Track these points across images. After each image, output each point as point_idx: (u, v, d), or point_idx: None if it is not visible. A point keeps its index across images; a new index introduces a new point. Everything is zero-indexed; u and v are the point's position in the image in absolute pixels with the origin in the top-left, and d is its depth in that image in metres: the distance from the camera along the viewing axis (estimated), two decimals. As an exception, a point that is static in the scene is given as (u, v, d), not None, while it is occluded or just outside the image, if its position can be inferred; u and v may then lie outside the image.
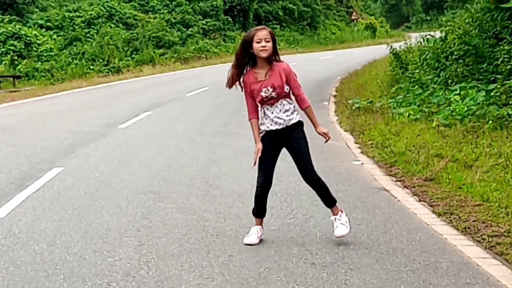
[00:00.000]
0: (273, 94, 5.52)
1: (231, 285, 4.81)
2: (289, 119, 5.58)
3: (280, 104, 5.57)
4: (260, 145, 5.59)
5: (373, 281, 4.82)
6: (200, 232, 6.11)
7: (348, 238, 5.84)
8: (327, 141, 5.77)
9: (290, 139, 5.61)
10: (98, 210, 6.99)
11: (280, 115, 5.56)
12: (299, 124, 5.64)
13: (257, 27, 5.65)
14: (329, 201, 5.75)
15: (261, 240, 5.80)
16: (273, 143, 5.62)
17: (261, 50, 5.46)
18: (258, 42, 5.46)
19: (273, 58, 5.55)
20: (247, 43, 5.53)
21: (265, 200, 5.82)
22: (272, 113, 5.57)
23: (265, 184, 5.72)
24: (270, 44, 5.48)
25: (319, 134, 5.75)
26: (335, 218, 5.72)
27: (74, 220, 6.65)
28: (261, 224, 5.87)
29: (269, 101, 5.55)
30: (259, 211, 5.86)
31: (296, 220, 6.37)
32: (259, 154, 5.58)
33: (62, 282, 4.95)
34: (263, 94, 5.52)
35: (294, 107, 5.64)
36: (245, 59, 5.56)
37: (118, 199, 7.45)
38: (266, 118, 5.60)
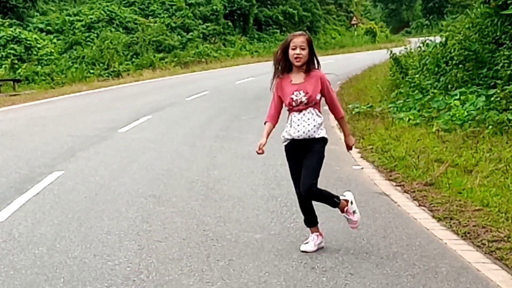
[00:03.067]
0: (304, 99, 5.40)
1: (231, 289, 4.81)
2: (315, 132, 5.45)
3: (309, 113, 5.43)
4: (263, 140, 5.46)
5: (373, 285, 4.82)
6: (200, 236, 6.11)
7: (348, 242, 5.84)
8: (349, 151, 5.96)
9: (310, 151, 5.46)
10: (98, 214, 6.99)
11: (307, 125, 5.42)
12: (323, 140, 5.52)
13: (295, 33, 5.53)
14: (333, 203, 5.65)
15: (261, 245, 5.81)
16: (297, 154, 5.49)
17: (295, 58, 5.37)
18: (293, 49, 5.37)
19: (309, 65, 5.44)
20: (285, 49, 5.42)
21: (310, 208, 5.66)
22: (299, 120, 5.43)
23: (301, 194, 5.61)
24: (305, 52, 5.37)
25: (346, 143, 5.79)
26: (344, 216, 5.71)
27: (74, 224, 6.64)
28: (318, 232, 5.70)
29: (298, 107, 5.42)
30: (308, 220, 5.72)
31: (296, 224, 6.37)
32: (259, 150, 5.45)
33: (62, 286, 4.95)
34: (293, 97, 5.39)
35: (322, 122, 5.52)
36: (286, 64, 5.45)
37: (118, 203, 7.45)
38: (292, 125, 5.46)
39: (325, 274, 5.07)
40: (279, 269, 5.21)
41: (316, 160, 5.49)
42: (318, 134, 5.49)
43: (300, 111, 5.45)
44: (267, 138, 5.53)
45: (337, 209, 5.74)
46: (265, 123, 5.60)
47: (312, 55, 5.46)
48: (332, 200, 5.65)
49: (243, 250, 5.69)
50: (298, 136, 5.46)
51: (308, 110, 5.45)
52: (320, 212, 6.23)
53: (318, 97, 5.47)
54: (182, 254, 5.60)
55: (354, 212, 5.69)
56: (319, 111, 5.52)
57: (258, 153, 5.50)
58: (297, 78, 5.46)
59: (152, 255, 5.61)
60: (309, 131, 5.45)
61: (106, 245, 5.92)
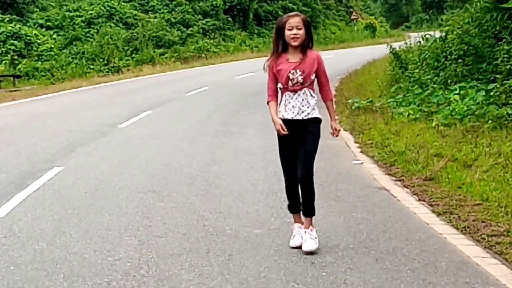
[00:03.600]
0: (300, 79, 5.36)
1: (231, 284, 4.81)
2: (309, 112, 5.41)
3: (303, 93, 5.40)
4: (280, 121, 5.36)
5: (373, 280, 4.83)
6: (200, 232, 6.12)
7: (347, 237, 5.85)
8: (335, 135, 5.69)
9: (305, 132, 5.42)
10: (98, 210, 7.00)
11: (302, 105, 5.39)
12: (317, 120, 5.47)
13: (290, 14, 5.47)
14: (310, 209, 5.54)
15: (261, 240, 5.82)
16: (290, 135, 5.40)
17: (292, 38, 5.32)
18: (289, 30, 5.32)
19: (306, 45, 5.39)
20: (280, 30, 5.38)
21: (296, 193, 5.57)
22: (294, 100, 5.40)
23: (291, 178, 5.50)
24: (302, 32, 5.33)
25: (331, 127, 5.62)
26: (305, 231, 5.53)
27: (74, 219, 6.65)
28: (300, 221, 5.64)
29: (294, 87, 5.37)
30: (293, 205, 5.65)
31: (296, 219, 6.36)
32: (284, 131, 5.33)
33: (62, 281, 4.95)
34: (290, 75, 5.35)
35: (316, 102, 5.47)
36: (279, 47, 5.41)
37: (118, 199, 7.46)
38: (286, 106, 5.42)
39: (324, 269, 5.08)
40: (279, 264, 5.21)
41: (312, 142, 5.46)
42: (312, 114, 5.45)
43: (295, 91, 5.41)
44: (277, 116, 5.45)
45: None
46: (268, 103, 5.50)
47: (309, 35, 5.41)
48: (313, 205, 5.54)
49: (243, 245, 5.69)
50: (293, 117, 5.42)
51: (303, 91, 5.42)
52: (320, 207, 6.25)
53: (313, 77, 5.43)
54: (182, 249, 5.61)
55: (315, 238, 5.50)
56: (313, 91, 5.49)
57: (283, 134, 5.36)
58: (293, 57, 5.41)
59: (152, 250, 5.61)
60: (303, 112, 5.42)
61: (106, 240, 5.92)
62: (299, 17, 5.40)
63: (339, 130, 5.76)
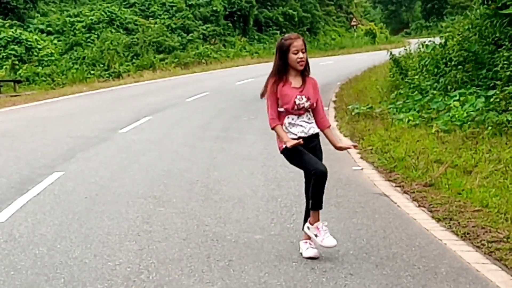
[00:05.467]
0: (306, 105, 5.39)
1: (231, 289, 4.82)
2: (314, 130, 5.49)
3: (306, 116, 5.46)
4: (289, 138, 5.35)
5: (373, 286, 4.84)
6: (200, 237, 6.13)
7: (347, 243, 5.85)
8: (355, 147, 6.14)
9: (313, 148, 5.47)
10: (99, 215, 7.00)
11: (307, 125, 5.44)
12: (318, 135, 5.56)
13: (292, 36, 5.43)
14: (320, 202, 5.42)
15: (261, 245, 5.83)
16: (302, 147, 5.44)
17: (298, 62, 5.32)
18: (295, 53, 5.30)
19: (305, 69, 5.42)
20: (285, 53, 5.35)
21: (323, 187, 5.41)
22: (301, 121, 5.44)
23: (320, 167, 5.33)
24: (305, 55, 5.36)
25: (344, 149, 5.75)
26: (317, 227, 5.43)
27: (74, 224, 6.66)
28: (318, 220, 5.46)
29: (299, 111, 5.41)
30: (319, 202, 5.43)
31: (296, 225, 6.38)
32: (299, 142, 5.30)
33: (62, 286, 4.96)
34: (296, 101, 5.36)
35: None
36: (285, 68, 5.38)
37: (118, 204, 7.46)
38: (293, 127, 5.43)
39: (325, 274, 5.08)
40: (279, 269, 5.22)
41: (321, 157, 5.54)
42: (316, 130, 5.53)
43: (299, 115, 5.45)
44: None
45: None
46: (275, 127, 5.42)
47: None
48: (321, 201, 5.49)
49: (243, 250, 5.70)
50: (306, 134, 5.44)
51: (305, 114, 5.48)
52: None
53: (314, 104, 5.49)
54: (182, 255, 5.62)
55: (323, 239, 5.40)
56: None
57: (300, 143, 5.33)
58: (295, 81, 5.44)
59: (152, 255, 5.62)
60: (310, 128, 5.47)
61: (106, 245, 5.93)
62: (301, 39, 5.39)
63: (354, 145, 6.13)
